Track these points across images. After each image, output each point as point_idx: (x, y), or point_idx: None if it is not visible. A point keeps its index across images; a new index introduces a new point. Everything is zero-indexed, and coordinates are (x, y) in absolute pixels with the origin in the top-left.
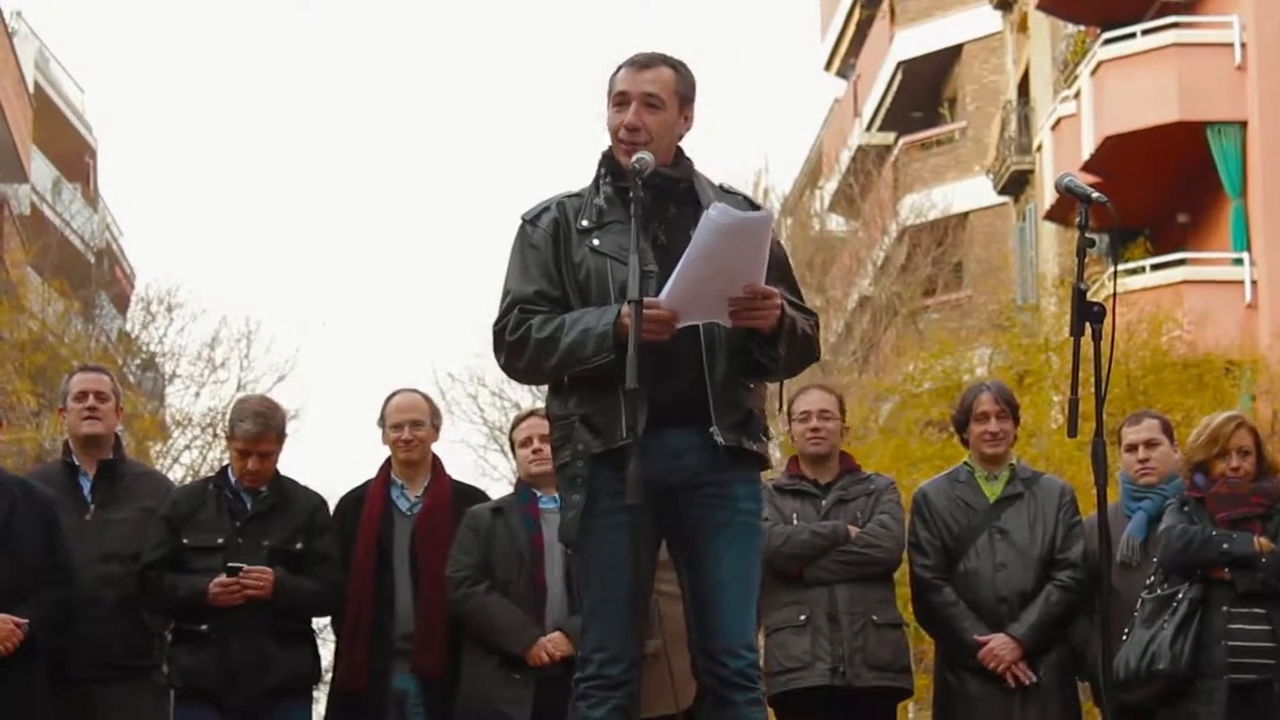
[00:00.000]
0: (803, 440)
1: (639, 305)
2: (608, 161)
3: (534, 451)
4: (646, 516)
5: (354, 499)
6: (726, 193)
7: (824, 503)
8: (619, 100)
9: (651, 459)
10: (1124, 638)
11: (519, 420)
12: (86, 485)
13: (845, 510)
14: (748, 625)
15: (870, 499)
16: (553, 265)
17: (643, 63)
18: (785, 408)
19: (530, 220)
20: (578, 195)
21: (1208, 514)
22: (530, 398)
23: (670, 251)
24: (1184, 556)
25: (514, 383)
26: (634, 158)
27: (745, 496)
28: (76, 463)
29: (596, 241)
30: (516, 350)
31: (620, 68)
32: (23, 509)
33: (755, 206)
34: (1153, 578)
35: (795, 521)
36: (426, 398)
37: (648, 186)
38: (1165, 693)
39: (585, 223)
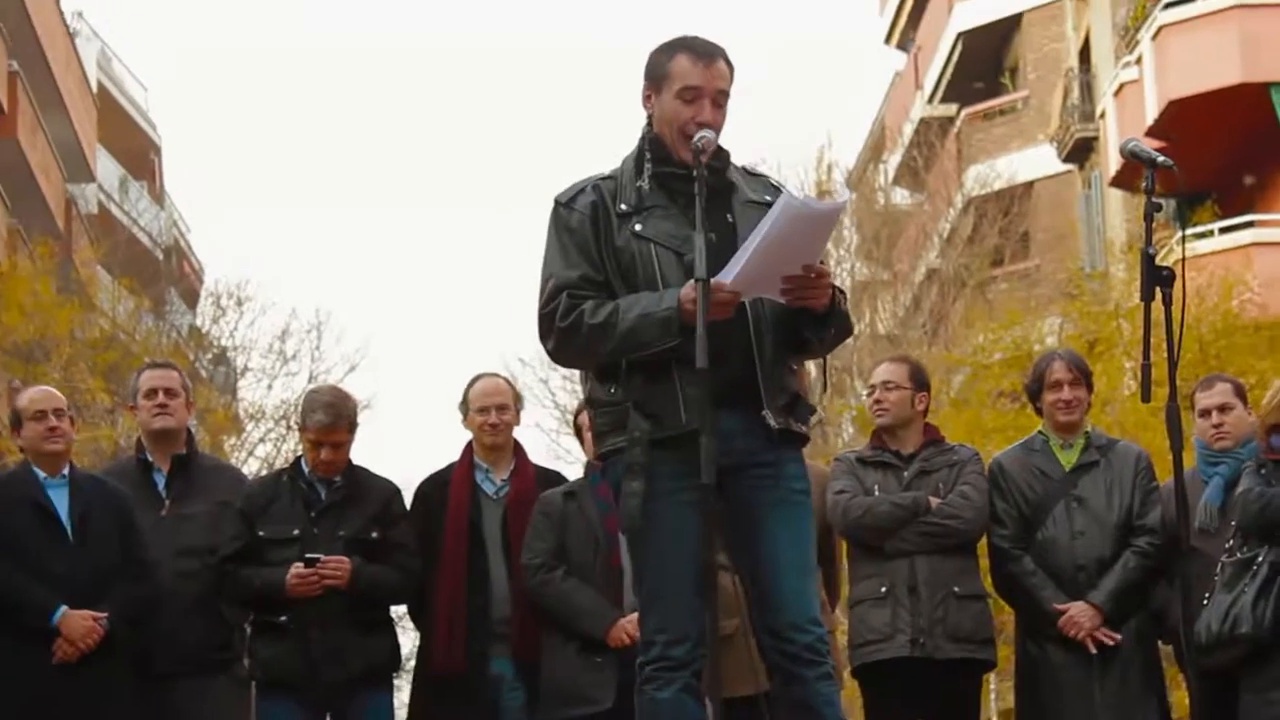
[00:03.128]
0: (870, 412)
1: (705, 284)
2: (655, 147)
3: None
4: (710, 495)
5: (437, 483)
6: (752, 175)
7: (906, 474)
8: (690, 95)
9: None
10: (1204, 603)
11: (585, 404)
12: (161, 481)
13: (928, 481)
14: (810, 600)
15: (953, 470)
16: (593, 248)
17: (708, 55)
18: (826, 390)
19: (565, 203)
20: (611, 178)
21: None
22: None
23: (713, 238)
24: (1262, 519)
25: (575, 369)
26: (696, 136)
27: (795, 475)
28: (150, 459)
29: (639, 226)
30: (568, 336)
31: (676, 55)
32: (98, 507)
33: (777, 188)
34: (1231, 541)
35: (877, 493)
36: (510, 382)
37: (691, 178)
38: (1248, 656)
39: (624, 206)
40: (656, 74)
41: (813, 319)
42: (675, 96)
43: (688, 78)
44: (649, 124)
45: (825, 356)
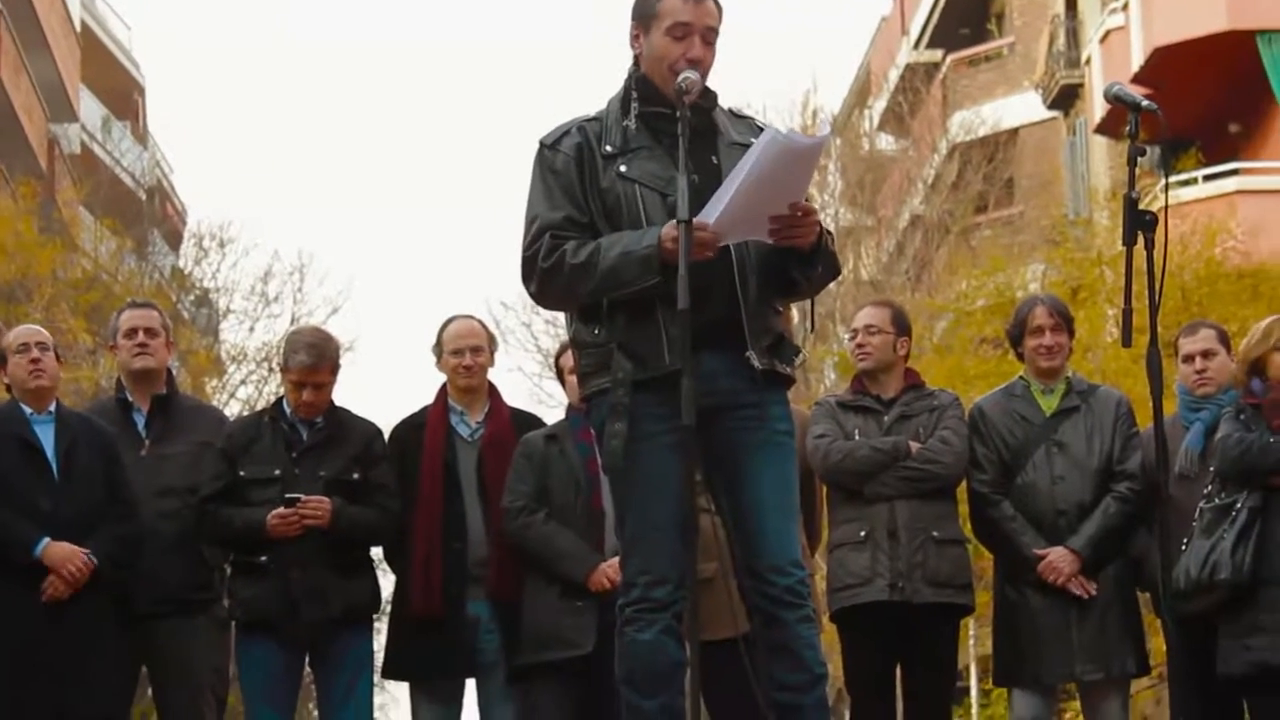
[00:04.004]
0: (852, 356)
1: (688, 225)
2: (642, 87)
3: None
4: (692, 437)
5: (411, 426)
6: (738, 118)
7: (886, 418)
8: (680, 32)
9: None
10: (1183, 548)
11: (566, 346)
12: (140, 421)
13: (908, 426)
14: (792, 542)
15: (934, 415)
16: (578, 190)
17: None
18: (814, 330)
19: (550, 145)
20: (596, 119)
21: (1264, 421)
22: None
23: (697, 179)
24: (1242, 465)
25: (558, 311)
26: (680, 77)
27: (779, 417)
28: (130, 399)
29: (624, 168)
30: (550, 277)
31: None
32: (84, 444)
33: (762, 129)
34: (1210, 487)
35: (857, 437)
36: (483, 324)
37: (681, 119)
38: (1226, 602)
39: (609, 148)
40: (645, 13)
41: (799, 258)
42: (665, 33)
43: (678, 14)
44: (635, 64)
45: (812, 298)
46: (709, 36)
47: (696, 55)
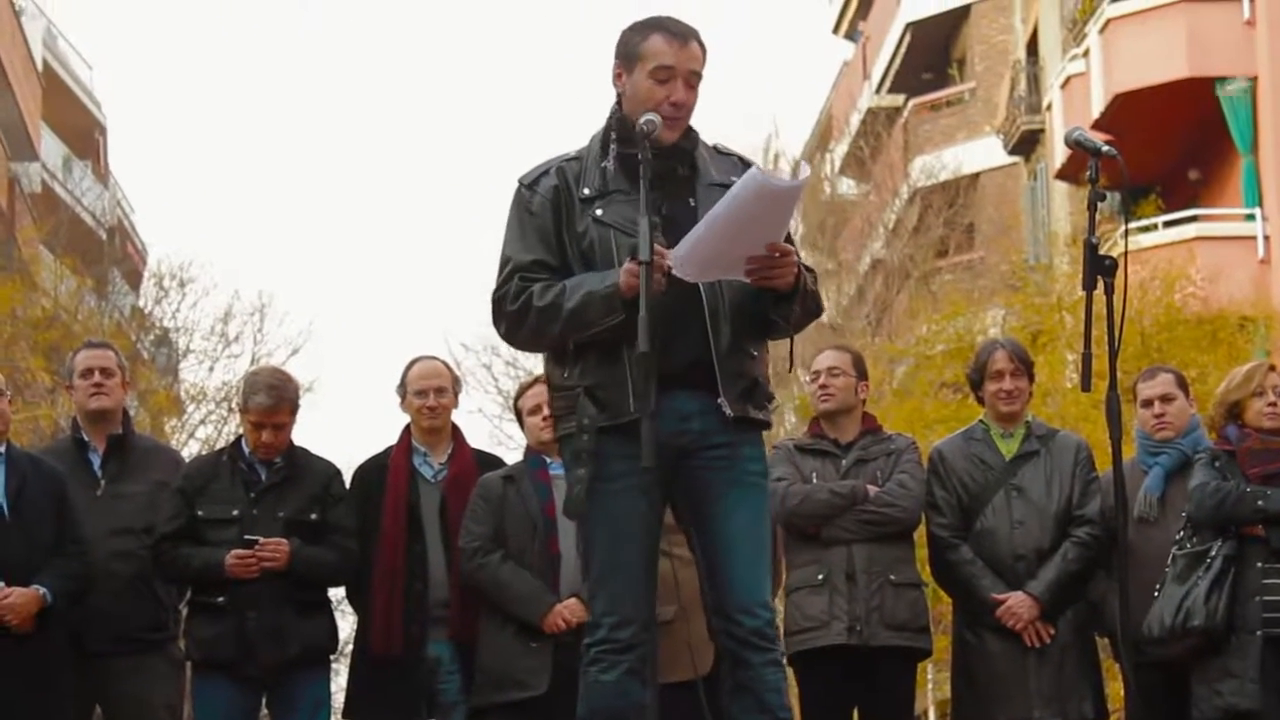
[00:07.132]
0: (814, 398)
1: (649, 267)
2: (621, 127)
3: (544, 419)
4: (655, 480)
5: (374, 467)
6: (721, 154)
7: (844, 462)
8: (663, 75)
9: (659, 422)
10: (1155, 594)
11: (525, 387)
12: (96, 461)
13: (865, 470)
14: (762, 583)
15: (890, 459)
16: (552, 233)
17: (682, 36)
18: (792, 369)
19: (528, 185)
20: (576, 159)
21: (1239, 469)
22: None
23: (673, 221)
24: (1218, 514)
25: (529, 352)
26: (642, 119)
27: (752, 458)
28: (86, 439)
29: (600, 211)
30: (517, 319)
31: (650, 34)
32: (32, 483)
33: (746, 165)
34: (1181, 533)
35: (815, 480)
36: (448, 365)
37: (660, 159)
38: (1198, 648)
39: (588, 191)
40: (629, 53)
41: (776, 299)
42: (648, 76)
43: (661, 57)
44: (618, 104)
45: (792, 337)
46: (692, 80)
47: (679, 99)
